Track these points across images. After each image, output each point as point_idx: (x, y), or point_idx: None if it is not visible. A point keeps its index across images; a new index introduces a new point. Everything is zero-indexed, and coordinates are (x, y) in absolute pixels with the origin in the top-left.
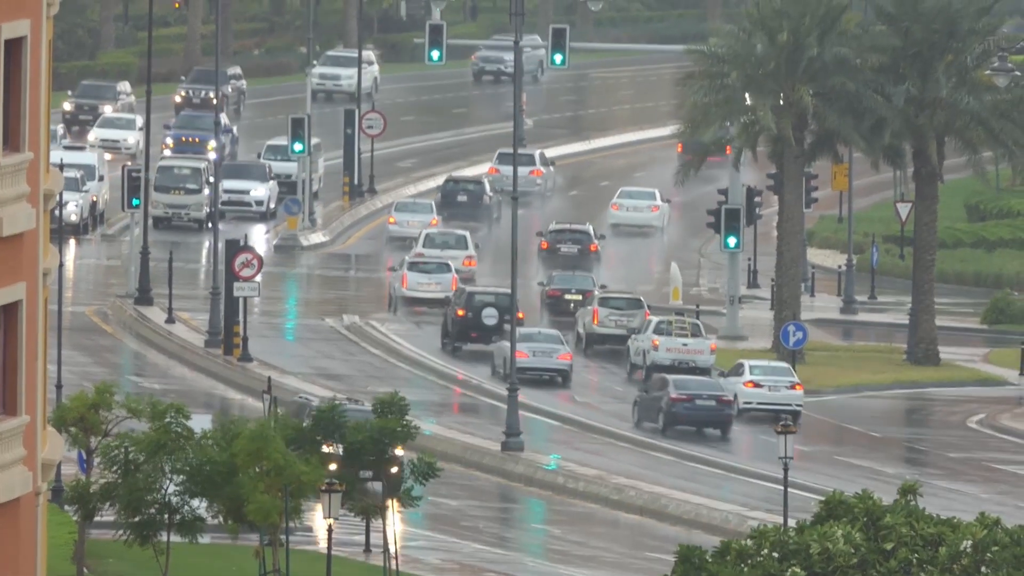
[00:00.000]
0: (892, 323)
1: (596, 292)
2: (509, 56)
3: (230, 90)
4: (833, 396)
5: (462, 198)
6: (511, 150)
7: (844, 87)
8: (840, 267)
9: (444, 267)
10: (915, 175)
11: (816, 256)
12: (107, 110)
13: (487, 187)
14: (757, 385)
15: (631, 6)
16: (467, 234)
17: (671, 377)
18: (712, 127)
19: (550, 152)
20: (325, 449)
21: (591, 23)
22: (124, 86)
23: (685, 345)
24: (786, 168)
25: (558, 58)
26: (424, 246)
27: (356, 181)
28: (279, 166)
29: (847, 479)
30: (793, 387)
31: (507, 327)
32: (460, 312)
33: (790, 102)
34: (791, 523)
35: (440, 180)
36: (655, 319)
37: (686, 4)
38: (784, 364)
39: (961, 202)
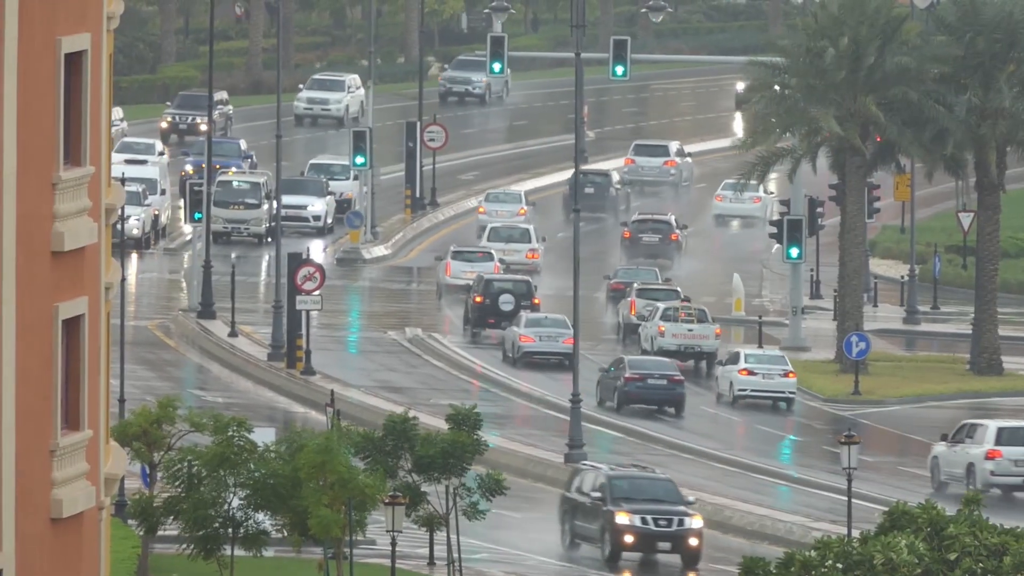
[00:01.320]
0: (955, 333)
1: (636, 284)
2: (476, 76)
3: (217, 115)
4: (896, 406)
5: (589, 190)
6: (647, 142)
7: (906, 97)
8: (903, 277)
9: (487, 256)
10: (977, 185)
11: (879, 266)
12: None
13: (613, 179)
14: (751, 373)
15: (692, 18)
16: (531, 227)
17: (627, 358)
18: (772, 137)
19: (609, 164)
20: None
21: (652, 34)
22: (116, 112)
23: (690, 331)
24: (848, 178)
25: (619, 70)
26: (489, 239)
27: (418, 194)
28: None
29: (910, 489)
30: (787, 375)
31: (523, 313)
32: (478, 299)
33: (852, 112)
34: (855, 534)
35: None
36: (662, 306)
37: (747, 15)
38: (779, 353)
39: (1023, 211)
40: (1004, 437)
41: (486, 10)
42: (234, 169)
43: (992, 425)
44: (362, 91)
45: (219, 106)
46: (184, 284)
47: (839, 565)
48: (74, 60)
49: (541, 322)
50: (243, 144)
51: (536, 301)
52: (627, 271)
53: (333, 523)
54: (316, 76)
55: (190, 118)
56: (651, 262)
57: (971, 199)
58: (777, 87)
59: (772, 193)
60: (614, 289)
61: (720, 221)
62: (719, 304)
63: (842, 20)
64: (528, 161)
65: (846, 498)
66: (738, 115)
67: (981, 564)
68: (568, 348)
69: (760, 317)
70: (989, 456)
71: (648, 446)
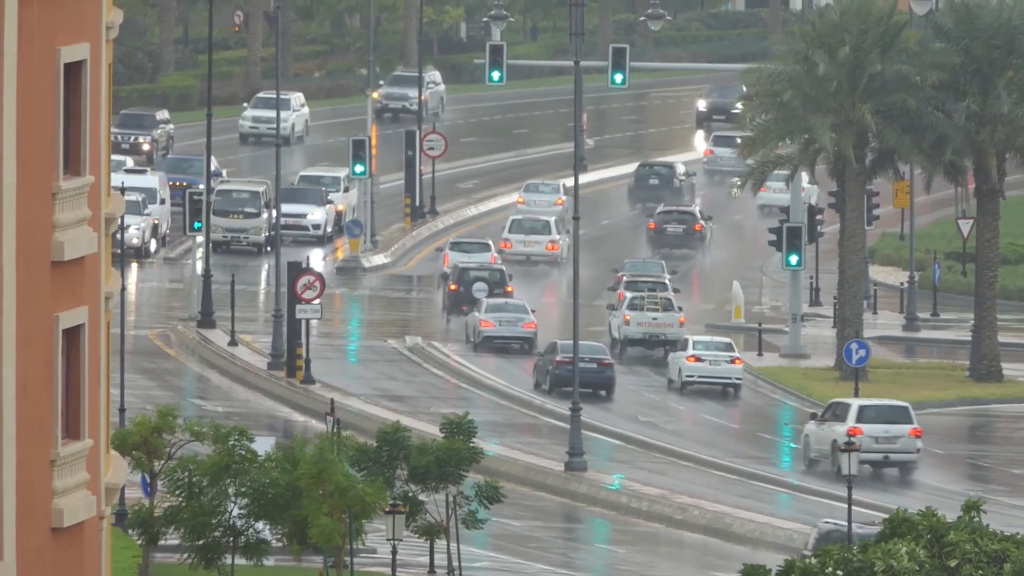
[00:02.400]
0: (955, 340)
1: (625, 276)
2: (413, 93)
3: (157, 133)
4: None
5: (654, 181)
6: (726, 132)
7: (904, 104)
8: (902, 284)
9: (484, 247)
10: (976, 191)
11: (878, 273)
12: None
13: (678, 171)
14: (699, 359)
15: (691, 25)
16: (551, 220)
17: (559, 342)
18: (770, 146)
19: (610, 172)
20: None
21: (651, 42)
22: (163, 113)
23: (655, 319)
24: (847, 186)
25: (618, 78)
26: (510, 231)
27: (417, 202)
28: None
29: (911, 496)
30: (733, 361)
31: (484, 299)
32: (452, 286)
33: (850, 120)
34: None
35: (502, 201)
36: (630, 295)
37: (746, 23)
38: (726, 340)
39: (1023, 218)
40: (865, 415)
41: (485, 19)
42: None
43: (855, 403)
44: (307, 109)
45: (161, 124)
46: (186, 293)
47: (839, 572)
48: (73, 70)
49: (502, 307)
50: (213, 162)
51: (509, 289)
52: (634, 264)
53: (334, 532)
54: (261, 95)
55: (133, 137)
56: (676, 252)
57: (970, 205)
58: (741, 107)
59: (816, 184)
60: (620, 282)
61: (764, 211)
62: (719, 312)
63: (843, 28)
64: (527, 170)
65: (847, 505)
66: (700, 132)
67: (981, 571)
68: (528, 332)
69: (760, 324)
70: (850, 433)
71: (649, 454)
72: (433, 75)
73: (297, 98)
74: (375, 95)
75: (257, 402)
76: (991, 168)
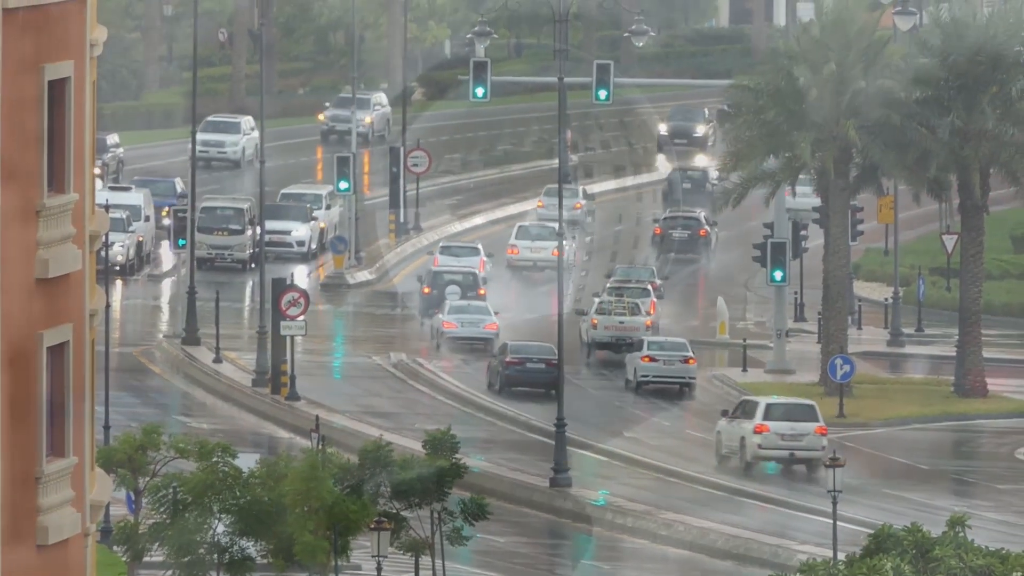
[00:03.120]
0: (939, 355)
1: (608, 282)
2: (359, 115)
3: (108, 157)
4: (881, 429)
5: (686, 186)
6: None
7: (888, 120)
8: (887, 300)
9: (473, 251)
10: (960, 207)
11: (863, 289)
12: None
13: (710, 176)
14: (653, 359)
15: (675, 41)
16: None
17: (510, 343)
18: (754, 162)
19: (593, 188)
20: None
21: (635, 58)
22: (113, 137)
23: (621, 323)
24: (831, 201)
25: (602, 94)
26: (517, 238)
27: (402, 219)
28: None
29: (896, 512)
30: (687, 361)
31: (448, 300)
32: (426, 290)
33: (834, 135)
34: (840, 556)
35: (488, 216)
36: (598, 300)
37: (730, 39)
38: (681, 340)
39: (1007, 233)
40: (771, 413)
41: (469, 35)
42: None
43: (762, 401)
44: (256, 133)
45: (111, 149)
46: (165, 311)
47: None
48: (57, 87)
49: (464, 309)
50: (179, 184)
51: (481, 292)
52: (624, 269)
53: (318, 549)
54: (211, 118)
55: None
56: (681, 257)
57: (955, 221)
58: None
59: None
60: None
61: (789, 216)
62: (703, 328)
63: (824, 44)
64: (511, 186)
65: (831, 521)
66: (661, 157)
67: None
68: (489, 333)
69: (744, 340)
70: (757, 431)
71: (634, 470)
72: (379, 97)
73: (247, 121)
74: (320, 117)
75: (242, 419)
76: (975, 184)
